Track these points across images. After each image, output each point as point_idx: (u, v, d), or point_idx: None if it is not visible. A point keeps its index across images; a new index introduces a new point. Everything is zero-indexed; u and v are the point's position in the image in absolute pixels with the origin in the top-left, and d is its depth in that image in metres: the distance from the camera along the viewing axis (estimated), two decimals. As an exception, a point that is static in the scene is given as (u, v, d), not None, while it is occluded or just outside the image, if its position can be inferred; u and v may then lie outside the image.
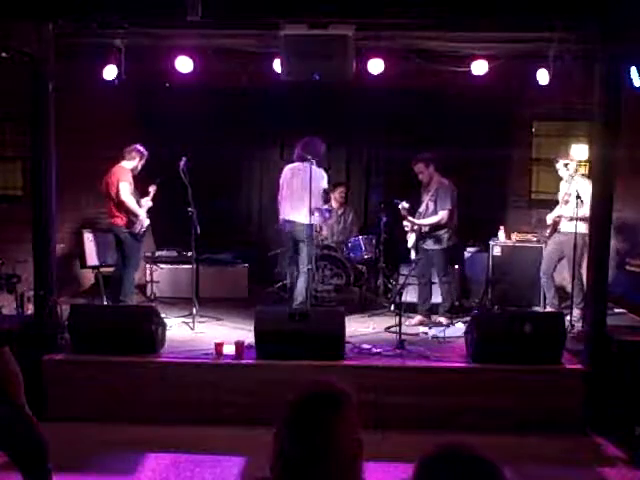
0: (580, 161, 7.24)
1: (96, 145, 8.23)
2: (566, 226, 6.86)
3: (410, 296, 6.97)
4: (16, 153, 8.63)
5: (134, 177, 6.88)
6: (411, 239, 6.75)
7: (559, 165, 6.98)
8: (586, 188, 6.63)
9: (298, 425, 1.69)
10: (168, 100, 7.82)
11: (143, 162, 6.89)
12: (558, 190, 7.16)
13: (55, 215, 5.69)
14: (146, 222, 6.84)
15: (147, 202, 6.94)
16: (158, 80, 7.25)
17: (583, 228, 6.44)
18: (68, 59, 5.97)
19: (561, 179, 7.07)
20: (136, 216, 6.71)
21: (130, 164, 6.81)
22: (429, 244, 6.72)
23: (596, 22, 5.26)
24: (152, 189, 6.99)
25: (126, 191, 6.65)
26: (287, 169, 6.84)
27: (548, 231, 7.19)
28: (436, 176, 6.68)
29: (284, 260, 7.19)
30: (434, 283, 6.93)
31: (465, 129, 8.03)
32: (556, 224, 7.05)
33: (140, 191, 6.99)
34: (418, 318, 6.76)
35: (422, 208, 6.71)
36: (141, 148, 6.87)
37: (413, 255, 6.83)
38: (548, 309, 7.12)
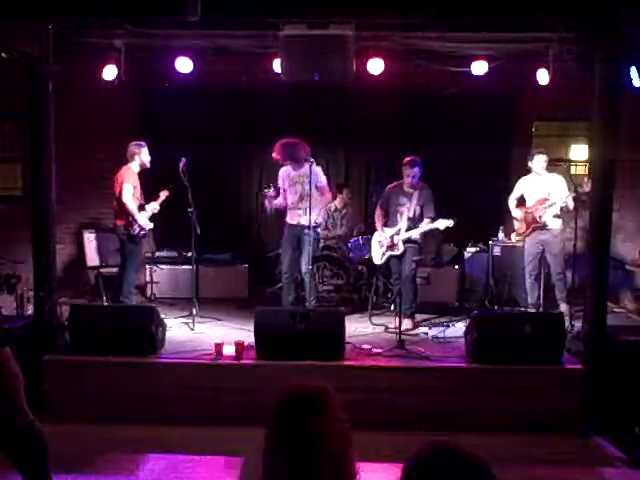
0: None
1: (96, 145, 8.26)
2: (550, 223, 6.81)
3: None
4: (16, 153, 8.63)
5: (145, 172, 6.82)
6: (400, 246, 6.59)
7: (539, 159, 6.86)
8: (558, 184, 6.76)
9: (281, 438, 1.65)
10: (168, 100, 7.82)
11: (146, 153, 6.74)
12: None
13: (55, 215, 5.69)
14: (148, 226, 6.77)
15: (153, 207, 6.86)
16: (158, 80, 7.24)
17: (558, 224, 6.77)
18: (68, 59, 5.96)
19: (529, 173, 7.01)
20: (134, 219, 6.68)
21: (136, 165, 6.73)
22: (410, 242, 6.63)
23: (596, 22, 5.26)
24: (163, 194, 6.91)
25: (128, 193, 6.61)
26: (284, 172, 6.82)
27: (523, 230, 7.01)
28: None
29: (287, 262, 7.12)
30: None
31: (465, 129, 8.03)
32: (531, 222, 6.89)
33: (152, 195, 6.94)
34: (408, 321, 6.52)
35: (410, 213, 6.60)
36: (136, 142, 6.77)
37: (382, 259, 6.74)
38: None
